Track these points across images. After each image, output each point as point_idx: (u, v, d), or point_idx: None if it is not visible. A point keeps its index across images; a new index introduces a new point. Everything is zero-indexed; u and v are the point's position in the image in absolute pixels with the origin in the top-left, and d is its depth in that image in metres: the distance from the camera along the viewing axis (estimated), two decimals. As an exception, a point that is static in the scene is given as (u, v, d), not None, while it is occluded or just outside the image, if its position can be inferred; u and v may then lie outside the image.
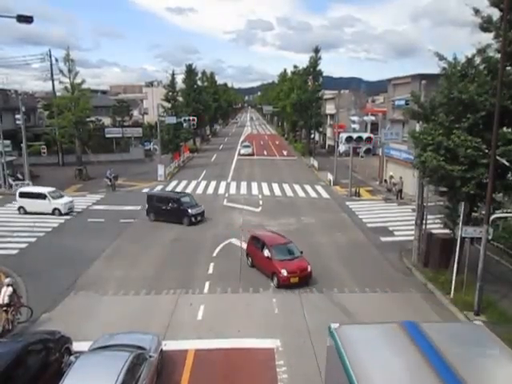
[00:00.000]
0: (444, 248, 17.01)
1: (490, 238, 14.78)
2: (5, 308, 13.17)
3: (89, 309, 14.74)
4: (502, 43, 12.73)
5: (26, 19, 14.38)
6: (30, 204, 27.65)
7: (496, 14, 14.03)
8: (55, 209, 27.41)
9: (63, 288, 16.24)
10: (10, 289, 13.51)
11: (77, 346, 11.74)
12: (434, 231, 18.55)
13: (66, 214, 27.31)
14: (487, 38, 14.43)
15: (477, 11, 14.18)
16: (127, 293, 16.02)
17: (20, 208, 27.84)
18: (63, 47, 38.66)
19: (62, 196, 28.68)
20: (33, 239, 22.18)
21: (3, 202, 30.55)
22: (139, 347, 10.64)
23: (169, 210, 25.31)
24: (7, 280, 14.06)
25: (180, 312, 14.52)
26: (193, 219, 24.88)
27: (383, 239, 22.47)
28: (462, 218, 15.02)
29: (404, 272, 18.31)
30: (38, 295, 15.49)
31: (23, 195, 28.19)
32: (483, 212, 14.60)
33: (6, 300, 13.23)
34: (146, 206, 26.40)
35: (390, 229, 24.15)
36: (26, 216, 26.56)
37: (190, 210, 24.93)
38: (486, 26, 14.21)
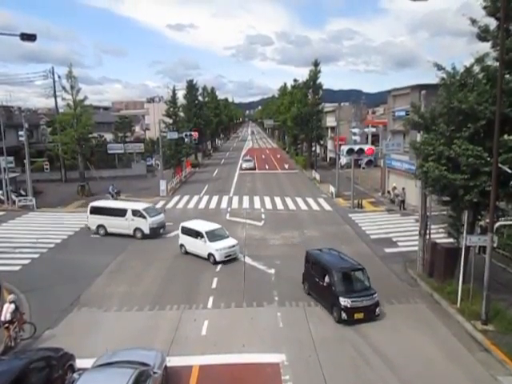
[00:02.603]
0: (449, 257, 16.88)
1: (495, 245, 14.68)
2: (7, 325, 13.08)
3: (92, 325, 14.62)
4: (500, 52, 12.82)
5: (29, 37, 14.54)
6: (109, 222, 25.32)
7: (493, 23, 14.16)
8: (137, 229, 24.91)
9: (66, 304, 16.14)
10: (13, 306, 13.44)
11: (80, 363, 11.62)
12: (438, 241, 18.44)
13: (154, 235, 24.73)
14: (485, 46, 14.54)
15: (474, 21, 14.30)
16: (130, 308, 15.90)
17: (99, 227, 25.49)
18: (66, 64, 39.24)
19: (154, 213, 25.51)
20: (36, 255, 22.14)
21: (6, 218, 30.55)
22: (143, 364, 10.51)
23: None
24: (10, 297, 13.99)
25: (184, 327, 14.38)
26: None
27: (387, 250, 22.33)
28: (465, 226, 14.95)
29: (409, 283, 18.16)
30: (41, 311, 15.40)
31: (98, 211, 25.76)
32: (487, 220, 14.52)
33: (8, 317, 13.15)
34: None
35: (394, 240, 24.02)
36: (29, 231, 26.48)
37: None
38: (483, 35, 14.33)
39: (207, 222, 22.94)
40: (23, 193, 36.08)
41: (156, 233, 24.93)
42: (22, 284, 17.94)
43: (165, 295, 17.01)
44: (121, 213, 25.13)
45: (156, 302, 16.30)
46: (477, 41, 14.68)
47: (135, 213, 24.82)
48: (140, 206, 26.01)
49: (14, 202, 33.99)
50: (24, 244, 23.95)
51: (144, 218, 24.62)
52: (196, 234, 21.12)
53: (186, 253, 21.70)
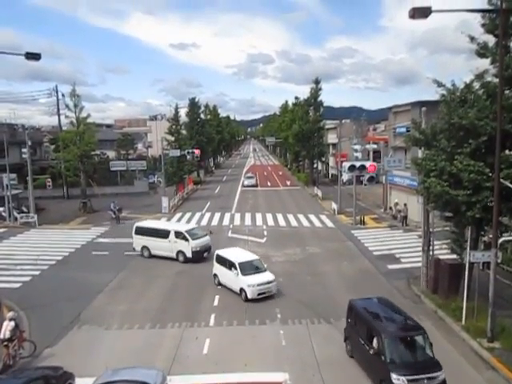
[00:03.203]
0: (452, 274, 16.72)
1: (499, 261, 14.55)
2: (6, 343, 12.94)
3: (92, 343, 14.46)
4: (499, 68, 12.91)
5: (34, 56, 14.70)
6: (153, 244, 24.30)
7: (491, 40, 14.31)
8: (179, 252, 23.57)
9: (67, 322, 15.98)
10: (12, 323, 13.32)
11: (80, 382, 11.46)
12: (441, 257, 18.31)
13: (197, 258, 23.17)
14: (484, 63, 14.66)
15: (472, 38, 14.45)
16: (131, 326, 15.73)
17: (143, 248, 24.58)
18: (70, 83, 40.08)
19: (198, 235, 24.07)
20: (36, 272, 22.04)
21: (8, 234, 30.54)
22: (144, 383, 10.35)
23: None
24: (10, 314, 13.88)
25: (185, 346, 14.20)
26: None
27: (390, 267, 22.16)
28: (469, 242, 14.85)
29: (413, 299, 17.95)
30: (40, 329, 15.24)
31: (142, 232, 24.79)
32: (491, 236, 14.43)
33: (8, 335, 13.02)
34: None
35: (397, 256, 23.86)
36: (30, 248, 26.37)
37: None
38: (482, 52, 14.45)
39: (244, 251, 21.06)
40: (25, 210, 36.13)
41: (199, 256, 23.29)
42: (22, 301, 17.82)
43: (166, 313, 16.85)
44: (164, 234, 23.97)
45: (157, 320, 16.13)
46: (476, 57, 14.82)
47: (178, 234, 23.51)
48: (184, 227, 25.09)
49: (15, 219, 34.01)
50: (25, 261, 23.86)
51: (186, 240, 23.25)
52: (229, 265, 18.81)
53: (219, 284, 19.56)
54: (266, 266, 19.20)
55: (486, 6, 13.49)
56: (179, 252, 23.42)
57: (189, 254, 23.16)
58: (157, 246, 24.12)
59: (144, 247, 24.53)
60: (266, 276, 18.43)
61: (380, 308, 13.44)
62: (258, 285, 17.78)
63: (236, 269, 18.25)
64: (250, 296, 17.61)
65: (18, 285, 20.15)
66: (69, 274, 21.63)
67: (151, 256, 24.22)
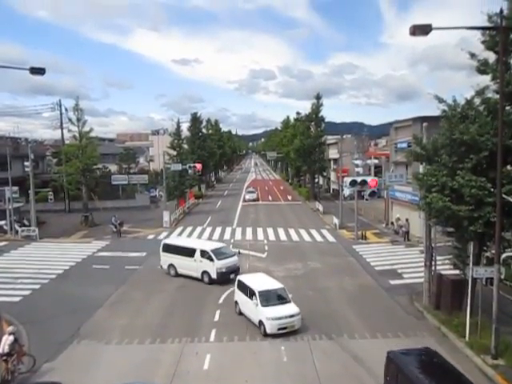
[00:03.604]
0: (455, 289, 16.61)
1: (502, 277, 14.46)
2: (5, 358, 12.81)
3: (92, 358, 14.30)
4: (499, 85, 13.03)
5: (38, 71, 14.85)
6: (179, 262, 23.18)
7: (492, 56, 14.46)
8: (204, 272, 22.13)
9: (66, 336, 15.83)
10: (11, 338, 13.19)
11: (78, 398, 11.30)
12: (443, 272, 18.20)
13: (222, 280, 21.56)
14: (485, 79, 14.79)
15: (473, 55, 14.63)
16: (131, 341, 15.58)
17: (170, 266, 23.53)
18: (73, 97, 40.27)
19: (225, 255, 22.56)
20: (37, 286, 21.93)
21: (9, 248, 30.49)
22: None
23: None
24: (9, 328, 13.76)
25: (185, 361, 14.04)
26: None
27: (392, 282, 22.02)
28: (471, 258, 14.78)
29: (416, 315, 17.79)
30: (40, 344, 15.08)
31: (169, 249, 23.80)
32: (493, 251, 14.36)
33: (6, 349, 12.89)
34: None
35: (399, 271, 23.72)
36: (30, 262, 26.26)
37: None
38: (482, 68, 14.61)
39: (268, 277, 18.76)
40: (27, 223, 36.14)
41: (225, 278, 21.57)
42: (22, 315, 17.69)
43: (166, 328, 16.70)
44: (190, 252, 22.70)
45: (157, 335, 15.98)
46: (476, 74, 14.97)
47: (203, 253, 22.11)
48: (209, 245, 23.50)
49: (16, 232, 33.98)
50: (25, 274, 23.76)
51: (211, 260, 21.74)
52: (249, 293, 16.88)
53: (240, 313, 17.69)
54: (291, 296, 17.01)
55: (486, 24, 13.66)
56: (204, 272, 22.03)
57: (214, 275, 21.65)
58: (183, 264, 23.00)
59: (170, 265, 23.50)
60: (290, 308, 16.24)
61: (425, 365, 10.96)
62: (279, 318, 15.69)
63: (256, 298, 16.32)
64: (268, 331, 15.63)
65: (17, 299, 20.04)
66: (69, 288, 21.52)
67: (177, 275, 23.17)
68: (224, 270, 21.75)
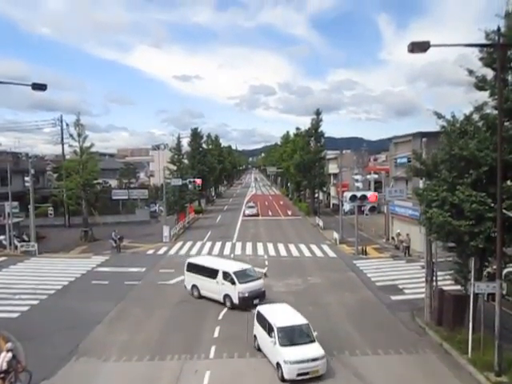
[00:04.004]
0: (457, 305, 16.48)
1: (504, 293, 14.36)
2: (2, 375, 12.65)
3: (90, 376, 14.13)
4: (498, 101, 13.13)
5: (40, 87, 14.99)
6: (202, 283, 21.75)
7: (490, 73, 14.61)
8: (226, 296, 20.52)
9: (65, 353, 15.65)
10: (10, 354, 13.04)
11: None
12: (445, 288, 18.08)
13: (244, 305, 19.81)
14: (483, 95, 14.93)
15: (471, 72, 14.79)
16: (130, 358, 15.40)
17: (193, 287, 22.18)
18: (74, 113, 40.61)
19: (248, 278, 20.70)
20: (35, 301, 21.76)
21: (7, 263, 30.34)
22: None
23: None
24: (7, 345, 13.61)
25: (185, 379, 13.87)
26: None
27: (393, 298, 21.87)
28: (472, 273, 14.70)
29: (417, 331, 17.62)
30: (38, 361, 14.86)
31: (193, 268, 22.36)
32: (495, 266, 14.30)
33: (4, 366, 12.73)
34: None
35: (400, 287, 23.58)
36: (29, 277, 26.09)
37: None
38: (480, 85, 14.76)
39: (292, 310, 15.97)
40: (26, 238, 36.04)
41: (247, 303, 19.81)
42: (20, 332, 17.49)
43: (165, 344, 16.53)
44: (212, 273, 21.18)
45: (156, 352, 15.80)
46: (475, 90, 15.11)
47: (226, 275, 20.57)
48: (233, 266, 21.64)
49: (16, 248, 33.87)
50: (24, 290, 23.60)
51: (233, 283, 20.11)
52: (268, 328, 14.66)
53: (259, 349, 15.58)
54: (316, 334, 14.57)
55: (484, 41, 13.83)
56: (226, 296, 20.44)
57: (235, 300, 19.98)
58: (205, 286, 21.57)
59: (194, 286, 22.18)
60: (313, 350, 13.87)
61: None
62: (300, 362, 13.35)
63: (274, 335, 14.08)
64: (286, 376, 13.32)
65: (16, 315, 19.86)
66: (68, 304, 21.36)
67: (200, 297, 21.80)
68: (246, 295, 19.93)
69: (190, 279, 22.47)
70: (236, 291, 19.97)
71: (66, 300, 22.16)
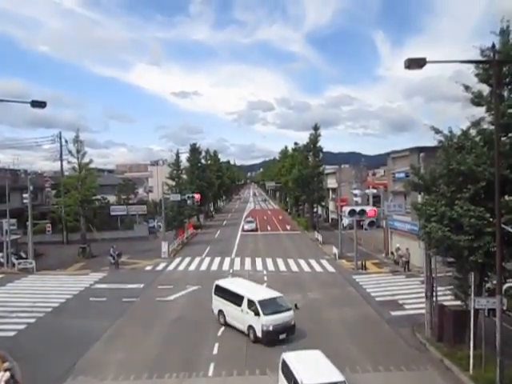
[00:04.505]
0: (457, 321, 16.35)
1: (504, 308, 14.27)
2: (-1, 395, 12.47)
3: (87, 395, 13.91)
4: (494, 116, 13.23)
5: (39, 104, 15.11)
6: (228, 310, 19.60)
7: (486, 89, 14.76)
8: (250, 327, 18.07)
9: (61, 372, 15.41)
10: (8, 374, 12.90)
11: None
12: (445, 303, 17.97)
13: (269, 340, 17.42)
14: (480, 111, 15.06)
15: (467, 87, 14.94)
16: (128, 377, 15.17)
17: (219, 313, 20.15)
18: (73, 129, 40.70)
19: (276, 309, 18.05)
20: (32, 320, 21.51)
21: (4, 281, 30.06)
22: None
23: None
24: (5, 365, 13.48)
25: (183, 397, 13.66)
26: None
27: (393, 313, 21.70)
28: (472, 288, 14.62)
29: (418, 348, 17.44)
30: (35, 380, 14.67)
31: (220, 292, 20.31)
32: (494, 282, 14.23)
33: (2, 386, 12.57)
34: None
35: (400, 302, 23.42)
36: (26, 295, 25.86)
37: None
38: (477, 100, 14.90)
39: (324, 359, 12.97)
40: (24, 255, 35.84)
41: (272, 338, 17.48)
42: (17, 350, 17.27)
43: (164, 362, 16.32)
44: (238, 300, 18.82)
45: (155, 370, 15.58)
46: (471, 105, 15.24)
47: (250, 304, 18.09)
48: (259, 294, 18.90)
49: (13, 265, 33.65)
50: (20, 308, 23.37)
51: (257, 314, 17.68)
52: (293, 382, 12.00)
53: None
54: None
55: (480, 58, 14.01)
56: (250, 327, 18.08)
57: (258, 333, 17.63)
58: (231, 313, 19.45)
59: (220, 312, 20.16)
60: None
61: None
62: None
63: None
64: None
65: (12, 333, 19.61)
66: (65, 322, 21.12)
67: (226, 324, 19.75)
68: (271, 329, 17.42)
69: (217, 303, 20.39)
70: (259, 323, 17.52)
71: (63, 318, 21.92)
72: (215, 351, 17.29)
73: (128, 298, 25.13)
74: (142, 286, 28.03)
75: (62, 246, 45.49)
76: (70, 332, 19.65)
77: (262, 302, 17.95)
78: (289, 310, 18.52)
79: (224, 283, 21.12)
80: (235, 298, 19.07)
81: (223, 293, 20.11)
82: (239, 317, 18.77)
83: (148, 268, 34.35)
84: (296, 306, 19.80)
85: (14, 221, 35.90)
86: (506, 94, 14.53)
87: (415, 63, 11.60)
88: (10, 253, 33.99)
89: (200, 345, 17.99)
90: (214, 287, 20.98)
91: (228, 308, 19.61)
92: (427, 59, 11.49)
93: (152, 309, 23.27)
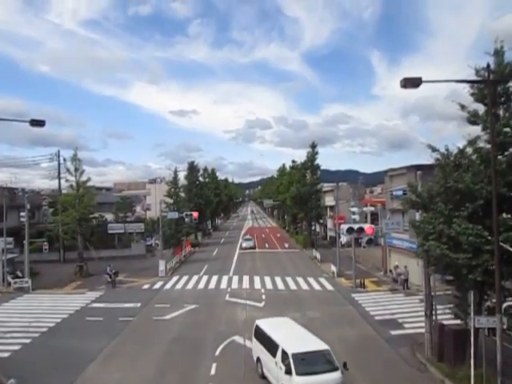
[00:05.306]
0: (458, 340, 16.19)
1: (504, 327, 14.15)
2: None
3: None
4: (490, 135, 13.36)
5: (38, 123, 15.17)
6: (264, 358, 15.61)
7: (481, 108, 14.92)
8: None
9: (56, 394, 15.17)
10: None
11: None
12: (445, 322, 17.83)
13: None
14: (476, 129, 15.19)
15: (463, 106, 15.12)
16: (124, 398, 14.94)
17: (258, 361, 16.26)
18: (72, 148, 40.89)
19: (316, 368, 13.59)
20: (27, 340, 21.19)
21: (0, 300, 29.72)
22: None
23: None
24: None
25: (180, 419, 13.41)
26: None
27: (393, 332, 21.48)
28: (472, 307, 14.52)
29: (418, 368, 17.21)
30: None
31: (260, 335, 16.36)
32: (494, 300, 14.15)
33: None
34: None
35: (400, 321, 23.21)
36: (21, 314, 25.53)
37: None
38: (473, 119, 15.06)
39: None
40: (20, 274, 35.48)
41: None
42: (11, 372, 16.91)
43: (161, 382, 16.06)
44: (273, 348, 14.77)
45: (151, 391, 15.35)
46: (467, 124, 15.40)
47: (284, 357, 13.87)
48: (297, 344, 14.41)
49: (9, 284, 33.31)
50: (15, 328, 23.04)
51: (289, 372, 13.35)
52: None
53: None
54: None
55: (474, 77, 14.21)
56: None
57: None
58: (266, 363, 15.43)
59: (258, 360, 16.25)
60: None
61: None
62: None
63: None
64: None
65: (6, 354, 19.30)
66: (61, 342, 20.82)
67: (263, 377, 15.69)
68: None
69: (256, 349, 16.60)
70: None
71: (58, 338, 21.62)
72: (213, 372, 17.01)
73: (125, 318, 24.83)
74: (138, 304, 27.75)
75: (58, 264, 45.13)
76: (66, 352, 19.35)
77: (296, 356, 13.57)
78: (335, 370, 13.73)
79: (263, 324, 16.97)
80: (271, 346, 15.06)
81: (262, 337, 16.18)
82: (273, 371, 14.62)
83: (145, 287, 34.04)
84: (345, 365, 14.02)
85: (10, 239, 35.66)
86: (501, 112, 14.70)
87: (411, 83, 11.75)
88: (6, 272, 33.69)
89: (197, 365, 17.72)
90: (254, 328, 17.32)
91: (264, 357, 15.63)
92: (423, 79, 11.64)
93: (149, 328, 23.00)
